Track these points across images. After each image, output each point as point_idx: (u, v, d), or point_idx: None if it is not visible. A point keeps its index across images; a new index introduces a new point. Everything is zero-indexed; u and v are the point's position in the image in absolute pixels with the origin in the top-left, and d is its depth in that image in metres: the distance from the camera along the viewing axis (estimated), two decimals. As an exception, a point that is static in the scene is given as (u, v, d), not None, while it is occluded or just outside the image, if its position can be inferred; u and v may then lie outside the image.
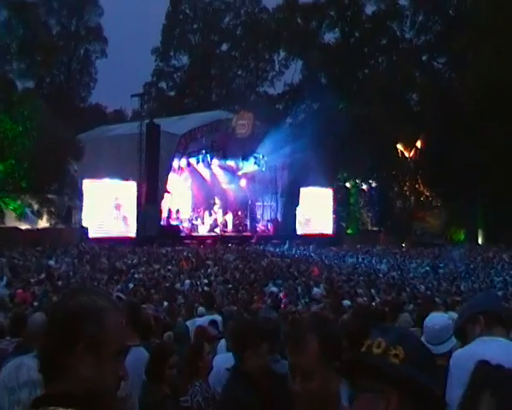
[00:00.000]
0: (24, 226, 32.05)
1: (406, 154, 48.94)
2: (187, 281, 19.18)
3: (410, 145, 48.62)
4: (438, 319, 4.31)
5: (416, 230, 47.21)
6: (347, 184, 48.56)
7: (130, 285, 17.21)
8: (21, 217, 31.69)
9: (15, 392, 2.60)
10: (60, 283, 17.66)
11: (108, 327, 1.76)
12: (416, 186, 49.69)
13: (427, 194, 50.21)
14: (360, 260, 29.91)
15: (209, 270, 22.63)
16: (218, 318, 9.04)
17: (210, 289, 17.45)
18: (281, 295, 16.87)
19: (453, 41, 46.10)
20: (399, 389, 1.71)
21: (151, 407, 4.32)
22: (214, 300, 11.07)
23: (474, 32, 43.53)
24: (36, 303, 13.12)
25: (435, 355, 1.84)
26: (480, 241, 45.87)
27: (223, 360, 5.69)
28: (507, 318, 3.55)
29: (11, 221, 32.00)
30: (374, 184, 49.05)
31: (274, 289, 18.19)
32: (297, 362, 2.26)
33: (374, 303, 15.11)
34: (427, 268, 26.66)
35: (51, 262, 22.33)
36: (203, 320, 8.91)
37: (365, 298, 16.43)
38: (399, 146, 48.54)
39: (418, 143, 48.50)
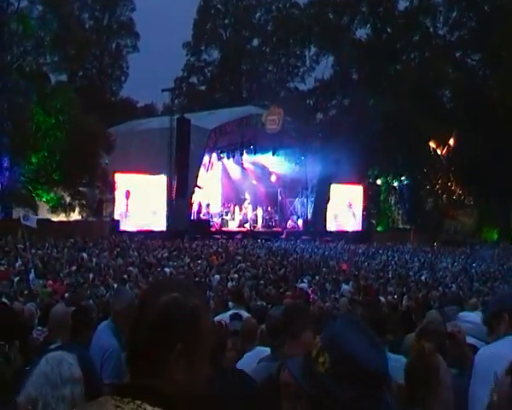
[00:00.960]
0: (56, 218, 32.43)
1: (438, 151, 48.37)
2: (216, 276, 19.22)
3: (442, 142, 48.00)
4: (477, 316, 4.22)
5: (447, 228, 46.68)
6: (378, 181, 48.22)
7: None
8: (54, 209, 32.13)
9: (58, 388, 2.52)
10: (91, 275, 17.82)
11: (204, 328, 1.70)
12: (449, 184, 49.11)
13: (460, 192, 49.61)
14: (390, 257, 29.67)
15: (238, 265, 22.62)
16: (244, 313, 8.93)
17: (238, 284, 17.49)
18: (309, 290, 16.85)
19: (488, 37, 45.42)
20: (317, 401, 1.61)
21: None
22: (242, 294, 11.00)
23: (509, 28, 42.77)
24: (67, 294, 13.24)
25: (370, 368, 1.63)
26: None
27: (244, 363, 5.62)
28: None
29: (44, 212, 32.39)
30: (405, 182, 48.63)
31: (303, 285, 18.18)
32: (290, 354, 2.31)
33: (403, 301, 15.01)
34: (459, 267, 26.36)
35: (84, 255, 22.50)
36: (226, 315, 8.84)
37: (395, 296, 16.31)
38: (431, 143, 47.98)
39: (451, 141, 47.89)
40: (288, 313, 3.64)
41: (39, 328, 6.99)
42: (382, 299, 13.58)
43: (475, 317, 4.70)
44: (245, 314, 8.69)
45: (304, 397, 1.67)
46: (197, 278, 18.36)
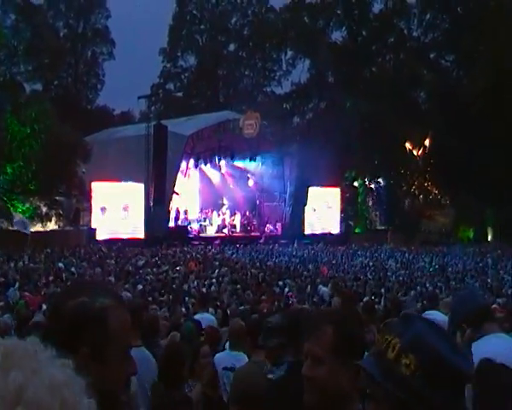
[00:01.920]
0: (33, 229, 32.19)
1: (414, 152, 48.79)
2: (195, 282, 19.23)
3: (418, 143, 48.43)
4: (439, 316, 4.24)
5: (424, 228, 47.01)
6: (355, 183, 48.47)
7: (140, 287, 17.26)
8: (30, 219, 31.88)
9: None
10: (69, 285, 17.71)
11: (113, 329, 1.66)
12: (425, 184, 49.53)
13: (436, 192, 50.05)
14: (368, 259, 29.83)
15: (216, 271, 22.64)
16: (207, 317, 9.03)
17: (219, 289, 17.54)
18: (289, 294, 16.93)
19: (461, 38, 45.94)
20: (404, 404, 1.57)
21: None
22: (207, 300, 11.11)
23: (481, 28, 43.33)
24: (44, 305, 13.17)
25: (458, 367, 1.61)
26: (489, 239, 45.67)
27: (221, 359, 5.69)
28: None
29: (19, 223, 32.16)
30: (382, 183, 48.94)
31: (286, 289, 18.28)
32: (310, 349, 2.28)
33: (381, 302, 15.12)
34: (436, 267, 26.59)
35: (60, 264, 22.38)
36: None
37: (373, 297, 16.43)
38: (407, 144, 48.38)
39: (426, 142, 48.33)
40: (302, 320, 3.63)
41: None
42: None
43: (441, 316, 4.74)
44: (209, 319, 8.84)
45: (381, 401, 1.62)
46: (174, 285, 18.37)
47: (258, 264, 25.64)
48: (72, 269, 21.68)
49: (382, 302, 15.13)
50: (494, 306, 10.21)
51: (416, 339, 1.59)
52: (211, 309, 11.05)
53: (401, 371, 1.57)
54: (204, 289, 17.38)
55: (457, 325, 3.29)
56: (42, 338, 1.73)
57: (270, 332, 4.35)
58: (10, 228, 31.08)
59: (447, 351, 1.58)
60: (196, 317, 8.93)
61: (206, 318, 8.83)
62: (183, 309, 12.78)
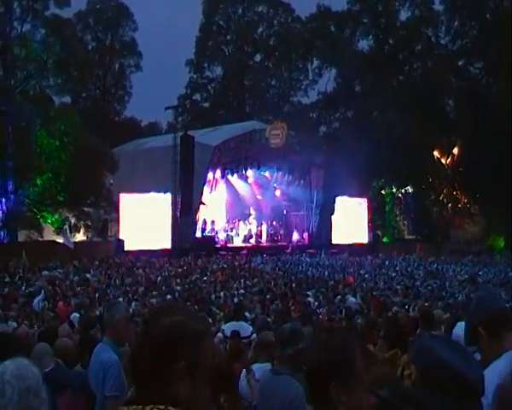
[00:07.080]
0: (61, 240, 32.51)
1: (443, 160, 48.34)
2: (222, 292, 19.20)
3: (446, 152, 48.03)
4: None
5: (453, 238, 46.51)
6: (383, 192, 48.16)
7: (169, 297, 17.31)
8: (59, 231, 32.20)
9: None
10: (97, 295, 17.81)
11: (205, 352, 1.82)
12: (454, 193, 49.01)
13: (465, 201, 49.50)
14: (397, 268, 29.54)
15: (242, 281, 22.60)
16: (245, 327, 8.98)
17: (244, 299, 17.46)
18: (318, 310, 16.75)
19: (490, 45, 45.50)
20: None
21: None
22: (241, 309, 11.07)
23: (510, 35, 42.83)
24: (73, 315, 13.23)
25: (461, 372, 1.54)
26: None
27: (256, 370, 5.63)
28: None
29: (49, 235, 32.48)
30: (410, 192, 48.56)
31: (310, 299, 18.12)
32: None
33: (410, 312, 14.91)
34: (466, 276, 26.23)
35: (88, 275, 22.52)
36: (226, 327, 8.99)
37: (406, 306, 16.21)
38: (436, 153, 47.96)
39: (455, 150, 47.88)
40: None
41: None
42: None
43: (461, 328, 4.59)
44: (246, 329, 8.77)
45: None
46: (202, 295, 18.38)
47: (285, 274, 25.52)
48: (100, 280, 21.80)
49: (411, 313, 14.93)
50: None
51: (419, 351, 1.65)
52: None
53: (404, 383, 1.60)
54: (235, 300, 17.33)
55: (473, 328, 2.94)
56: (133, 352, 1.90)
57: (286, 340, 4.29)
58: (40, 239, 31.45)
59: (450, 358, 1.56)
60: (232, 325, 8.93)
61: (243, 326, 8.85)
62: (210, 320, 12.74)
